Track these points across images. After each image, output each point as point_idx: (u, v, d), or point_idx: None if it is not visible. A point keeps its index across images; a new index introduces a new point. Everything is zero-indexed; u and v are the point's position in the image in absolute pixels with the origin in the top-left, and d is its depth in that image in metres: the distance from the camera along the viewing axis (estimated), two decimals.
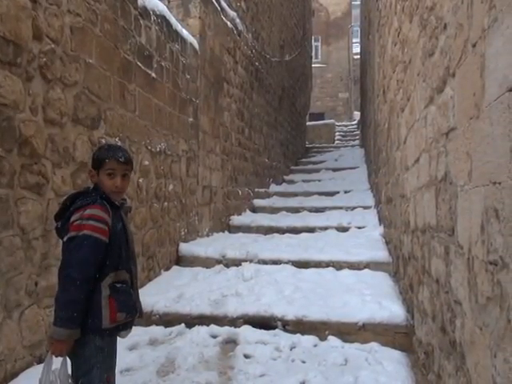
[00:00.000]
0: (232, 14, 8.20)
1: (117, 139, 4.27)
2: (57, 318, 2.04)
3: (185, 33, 6.06)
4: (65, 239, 2.14)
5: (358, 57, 23.74)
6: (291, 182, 12.37)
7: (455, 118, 2.01)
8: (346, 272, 5.19)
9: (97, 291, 2.10)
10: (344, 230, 7.22)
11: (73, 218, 2.14)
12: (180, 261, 5.83)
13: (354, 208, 8.60)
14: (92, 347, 2.11)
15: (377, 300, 4.17)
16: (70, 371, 2.11)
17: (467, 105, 1.79)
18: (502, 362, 1.45)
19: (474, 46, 1.69)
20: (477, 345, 1.73)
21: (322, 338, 3.86)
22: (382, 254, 5.54)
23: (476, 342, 1.74)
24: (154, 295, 4.51)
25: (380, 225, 6.95)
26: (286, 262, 5.51)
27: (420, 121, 2.99)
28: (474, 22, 1.68)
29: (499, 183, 1.43)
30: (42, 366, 2.09)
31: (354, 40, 29.20)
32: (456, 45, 1.95)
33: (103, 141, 4.02)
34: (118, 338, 2.27)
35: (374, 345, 3.70)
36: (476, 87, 1.66)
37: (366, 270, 5.23)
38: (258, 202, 9.68)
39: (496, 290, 1.49)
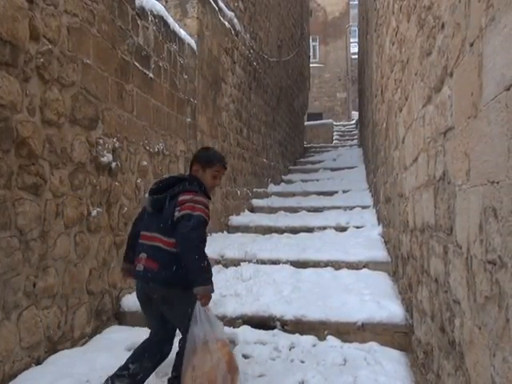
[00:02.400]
0: (230, 14, 8.20)
1: (114, 140, 4.26)
2: (205, 279, 2.57)
3: (182, 33, 6.05)
4: (179, 214, 2.59)
5: (356, 57, 23.80)
6: (290, 181, 12.37)
7: (453, 118, 2.01)
8: (344, 272, 5.19)
9: None
10: (342, 229, 7.21)
11: (182, 198, 2.63)
12: None
13: (352, 208, 8.60)
14: (193, 301, 2.60)
15: (376, 300, 4.17)
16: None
17: (465, 104, 1.79)
18: (500, 362, 1.45)
19: (471, 45, 1.69)
20: (476, 344, 1.73)
21: (321, 338, 3.86)
22: (380, 253, 5.54)
23: (475, 341, 1.74)
24: None
25: (379, 224, 6.95)
26: (285, 262, 5.51)
27: (418, 120, 2.99)
28: (472, 21, 1.67)
29: (497, 182, 1.43)
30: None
31: (351, 40, 29.24)
32: (453, 44, 1.95)
33: (101, 141, 4.01)
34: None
35: (373, 344, 3.70)
36: (474, 86, 1.66)
37: (365, 270, 5.23)
38: (256, 202, 9.68)
39: (494, 289, 1.49)
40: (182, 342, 2.72)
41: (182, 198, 2.65)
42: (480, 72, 1.59)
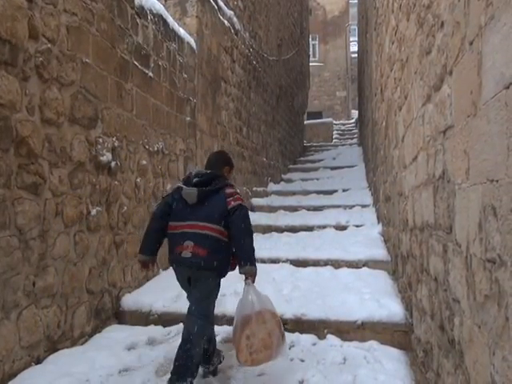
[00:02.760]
0: (229, 12, 8.19)
1: (114, 139, 4.26)
2: (253, 261, 3.05)
3: (182, 32, 6.05)
4: (234, 204, 3.03)
5: (356, 55, 23.78)
6: (289, 180, 12.36)
7: (452, 116, 2.01)
8: (344, 271, 5.20)
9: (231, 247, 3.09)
10: (342, 228, 7.22)
11: (229, 191, 3.10)
12: None
13: (352, 206, 8.60)
14: (218, 287, 3.20)
15: (375, 298, 4.18)
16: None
17: (464, 103, 1.79)
18: (500, 360, 1.45)
19: (470, 43, 1.69)
20: (475, 343, 1.73)
21: (321, 337, 3.86)
22: (380, 252, 5.54)
23: (474, 340, 1.74)
24: (152, 295, 4.51)
25: (378, 223, 6.96)
26: (285, 261, 5.52)
27: (417, 119, 2.99)
28: (471, 19, 1.67)
29: (497, 181, 1.43)
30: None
31: (351, 39, 29.21)
32: (453, 43, 1.95)
33: (100, 140, 4.01)
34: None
35: (372, 343, 3.70)
36: (473, 85, 1.66)
37: (365, 269, 5.24)
38: (256, 201, 9.67)
39: (494, 287, 1.49)
40: (194, 331, 2.96)
41: (228, 191, 3.11)
42: (479, 70, 1.58)
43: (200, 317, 3.02)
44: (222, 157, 3.51)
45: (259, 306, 2.96)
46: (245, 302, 2.97)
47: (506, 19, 1.32)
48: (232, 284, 4.73)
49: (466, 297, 1.84)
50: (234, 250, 3.09)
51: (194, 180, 3.15)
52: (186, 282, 3.13)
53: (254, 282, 3.05)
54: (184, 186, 3.14)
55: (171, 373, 2.84)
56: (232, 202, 3.05)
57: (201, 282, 3.06)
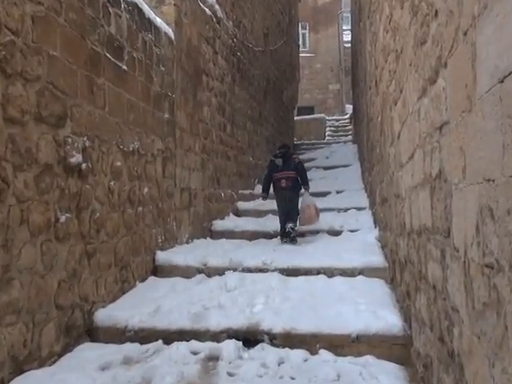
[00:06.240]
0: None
1: (84, 139, 4.26)
2: (307, 185, 7.63)
3: (158, 21, 6.06)
4: (297, 161, 7.80)
5: (349, 45, 23.90)
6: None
7: (448, 112, 2.05)
8: (338, 279, 5.23)
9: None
10: (336, 233, 7.30)
11: (295, 156, 8.07)
12: (157, 271, 5.82)
13: (346, 210, 8.68)
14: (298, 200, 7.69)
15: (372, 309, 4.22)
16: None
17: (459, 97, 1.83)
18: (500, 373, 1.48)
19: (465, 34, 1.73)
20: (475, 354, 1.77)
21: (313, 352, 3.88)
22: (377, 259, 5.60)
23: (474, 351, 1.78)
24: (128, 309, 4.50)
25: (375, 227, 7.02)
26: (273, 270, 5.54)
27: (413, 114, 3.04)
28: (465, 8, 1.72)
29: (493, 180, 1.47)
30: None
31: (344, 27, 29.36)
32: (447, 33, 2.00)
33: (69, 140, 4.00)
34: None
35: (368, 358, 3.73)
36: (468, 78, 1.70)
37: (360, 277, 5.28)
38: (242, 205, 9.70)
39: (492, 294, 1.53)
40: (293, 210, 7.44)
41: (294, 156, 7.95)
42: (474, 63, 1.63)
43: (296, 207, 7.52)
44: (286, 144, 8.78)
45: (310, 202, 7.51)
46: (305, 198, 7.53)
47: (500, 9, 1.36)
48: (215, 296, 4.77)
49: (465, 305, 1.88)
50: (299, 179, 7.61)
51: (279, 155, 7.75)
52: (281, 199, 7.64)
53: (308, 191, 7.63)
54: (275, 159, 7.77)
55: (286, 222, 7.35)
56: (296, 160, 7.77)
57: (290, 199, 7.52)
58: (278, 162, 7.57)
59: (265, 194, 7.88)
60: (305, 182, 7.55)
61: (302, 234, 7.57)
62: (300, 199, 7.56)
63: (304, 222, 7.46)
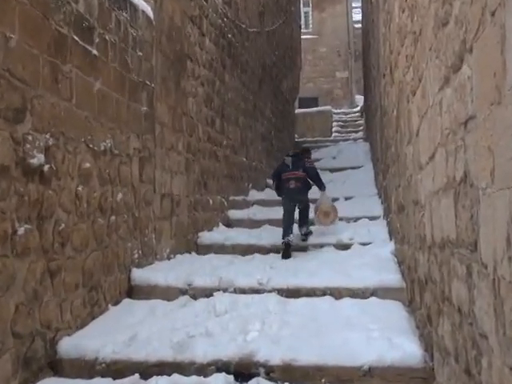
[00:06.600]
0: None
1: (47, 136, 4.25)
2: (323, 185, 8.57)
3: None
4: (308, 164, 8.76)
5: (360, 26, 24.02)
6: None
7: (474, 104, 2.07)
8: (346, 301, 5.24)
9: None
10: (344, 247, 7.31)
11: (306, 159, 9.07)
12: (133, 292, 5.81)
13: (357, 219, 8.70)
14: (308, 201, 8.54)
15: (386, 336, 4.22)
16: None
17: (487, 87, 1.85)
18: None
19: (492, 14, 1.74)
20: None
21: None
22: (392, 277, 5.61)
23: None
24: (99, 337, 4.49)
25: (390, 240, 7.04)
26: (270, 291, 5.54)
27: (434, 107, 3.06)
28: None
29: None
30: None
31: (354, 4, 29.53)
32: (472, 13, 2.02)
33: (29, 138, 4.00)
34: None
35: None
36: (496, 65, 1.72)
37: (373, 299, 5.29)
38: (234, 214, 9.70)
39: None
40: (303, 213, 8.27)
41: (307, 159, 9.18)
42: (503, 47, 1.64)
43: (307, 208, 8.37)
44: (306, 148, 10.83)
45: (327, 201, 8.50)
46: (321, 199, 8.45)
47: None
48: (202, 322, 4.76)
49: (495, 331, 1.89)
50: (314, 183, 8.49)
51: (290, 154, 8.80)
52: (289, 201, 8.10)
53: (324, 190, 8.54)
54: (285, 157, 8.54)
55: (299, 226, 8.20)
56: (307, 163, 8.67)
57: (300, 200, 8.15)
58: (288, 161, 8.39)
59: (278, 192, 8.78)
60: (319, 185, 8.49)
61: (304, 248, 7.58)
62: (319, 198, 8.67)
63: (320, 222, 8.45)
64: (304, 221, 8.19)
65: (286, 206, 8.09)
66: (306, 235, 8.10)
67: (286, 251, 7.38)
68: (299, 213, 8.23)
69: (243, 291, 5.60)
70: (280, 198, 11.85)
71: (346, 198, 10.25)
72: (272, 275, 5.95)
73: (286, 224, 7.78)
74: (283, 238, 7.52)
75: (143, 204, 6.27)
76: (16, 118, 3.87)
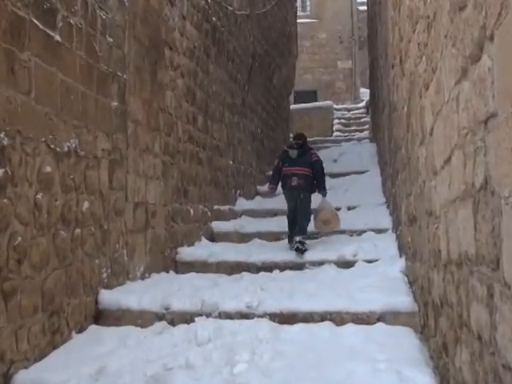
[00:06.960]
0: None
1: (2, 135, 4.24)
2: (325, 187, 8.91)
3: None
4: (316, 158, 8.87)
5: (365, 8, 24.11)
6: (268, 194, 12.42)
7: (495, 100, 2.08)
8: (349, 328, 5.24)
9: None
10: (347, 265, 7.32)
11: (313, 152, 9.03)
12: (101, 317, 5.79)
13: (361, 232, 8.72)
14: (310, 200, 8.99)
15: (395, 368, 4.22)
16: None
17: (510, 80, 1.86)
18: None
19: None
20: None
21: None
22: (402, 299, 5.61)
23: None
24: (60, 370, 4.47)
25: (400, 256, 7.05)
26: (261, 316, 5.53)
27: (450, 103, 3.07)
28: None
29: None
30: None
31: None
32: None
33: None
34: None
35: None
36: None
37: (380, 325, 5.29)
38: (218, 226, 9.70)
39: None
40: (302, 216, 8.53)
41: (312, 152, 9.01)
42: None
43: (307, 213, 8.67)
44: (303, 134, 9.45)
45: (328, 206, 8.81)
46: (322, 205, 8.74)
47: None
48: (182, 352, 4.75)
49: None
50: (316, 181, 8.72)
51: (294, 146, 8.91)
52: (291, 199, 8.67)
53: (325, 196, 8.86)
54: (289, 149, 8.91)
55: (295, 234, 8.30)
56: (314, 157, 8.81)
57: (303, 199, 8.57)
58: (292, 154, 8.70)
59: (273, 186, 9.08)
60: (321, 186, 8.76)
61: (301, 266, 7.58)
62: (319, 204, 8.86)
63: (321, 228, 8.83)
64: (302, 227, 8.41)
65: (290, 207, 8.73)
66: (300, 243, 8.10)
67: (298, 250, 8.06)
68: (297, 215, 8.51)
69: (229, 316, 5.59)
70: (270, 207, 12.20)
71: (350, 208, 10.27)
72: (263, 298, 5.94)
73: (291, 223, 8.66)
74: (289, 242, 8.48)
75: (113, 214, 6.26)
76: None
